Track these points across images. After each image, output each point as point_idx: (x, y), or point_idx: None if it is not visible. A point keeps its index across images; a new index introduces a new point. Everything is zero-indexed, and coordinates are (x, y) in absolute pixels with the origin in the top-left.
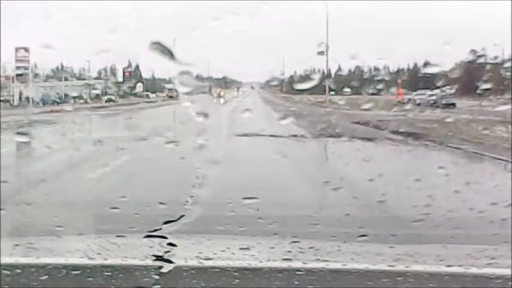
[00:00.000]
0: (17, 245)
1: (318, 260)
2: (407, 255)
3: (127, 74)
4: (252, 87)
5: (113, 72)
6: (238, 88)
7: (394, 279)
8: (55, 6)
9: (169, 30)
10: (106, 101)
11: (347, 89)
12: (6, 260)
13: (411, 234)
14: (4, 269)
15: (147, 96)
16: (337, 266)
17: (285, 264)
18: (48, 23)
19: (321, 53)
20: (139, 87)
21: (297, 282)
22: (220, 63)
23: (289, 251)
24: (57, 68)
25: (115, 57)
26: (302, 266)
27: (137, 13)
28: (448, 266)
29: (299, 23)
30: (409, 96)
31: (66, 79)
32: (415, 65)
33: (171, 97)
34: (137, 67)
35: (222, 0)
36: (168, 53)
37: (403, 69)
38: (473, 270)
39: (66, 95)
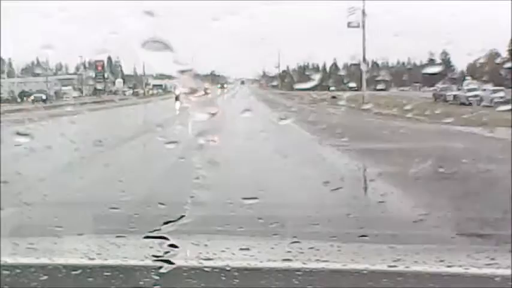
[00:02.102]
0: (17, 245)
1: (318, 260)
2: (408, 256)
3: (99, 68)
4: (243, 83)
5: (92, 67)
6: (222, 84)
7: (395, 280)
8: (53, 6)
9: (167, 29)
10: (33, 102)
11: (352, 84)
12: (6, 260)
13: None
14: (4, 269)
15: (123, 93)
16: (337, 266)
17: (285, 265)
18: (41, 22)
19: (353, 25)
20: (119, 83)
21: (297, 283)
22: (214, 61)
23: (289, 252)
24: (32, 63)
25: (111, 55)
26: (302, 266)
27: (134, 11)
28: (448, 266)
29: (298, 24)
30: (454, 92)
31: (37, 75)
32: (433, 57)
33: (137, 94)
34: (118, 62)
35: (221, 0)
36: (164, 49)
37: (403, 63)
38: (473, 270)
39: (19, 93)
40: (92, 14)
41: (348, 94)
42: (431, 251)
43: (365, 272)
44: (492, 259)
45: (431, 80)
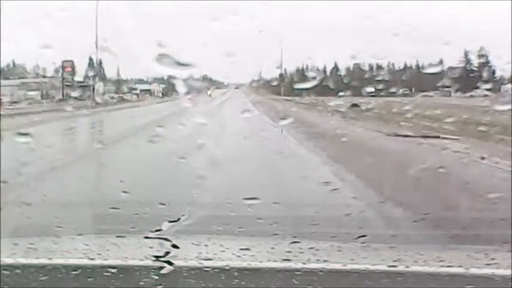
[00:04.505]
0: (17, 245)
1: (318, 260)
2: (407, 256)
3: (67, 69)
4: (237, 87)
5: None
6: (208, 90)
7: (394, 280)
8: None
9: (164, 31)
10: None
11: (370, 89)
12: (6, 260)
13: None
14: (4, 269)
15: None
16: (337, 266)
17: (285, 265)
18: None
19: None
20: (99, 87)
21: (296, 283)
22: (207, 63)
23: (289, 252)
24: (8, 65)
25: (114, 57)
26: (302, 266)
27: (135, 12)
28: (448, 266)
29: (297, 25)
30: None
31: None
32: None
33: (98, 103)
34: (100, 64)
35: (222, 0)
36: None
37: (411, 67)
38: (473, 270)
39: None
40: (85, 14)
41: (374, 102)
42: (431, 251)
43: (365, 272)
44: (492, 259)
45: (464, 84)
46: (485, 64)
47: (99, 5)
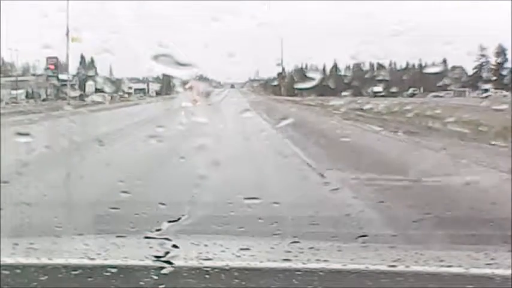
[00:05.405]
0: (17, 245)
1: (318, 260)
2: (407, 256)
3: (51, 66)
4: (232, 86)
5: (64, 67)
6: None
7: (394, 280)
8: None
9: (163, 30)
10: None
11: (377, 89)
12: (6, 260)
13: None
14: (4, 269)
15: (82, 99)
16: (337, 266)
17: (285, 265)
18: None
19: None
20: (90, 86)
21: (296, 283)
22: (203, 63)
23: (289, 252)
24: None
25: (115, 58)
26: (302, 266)
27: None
28: (448, 266)
29: (297, 25)
30: None
31: None
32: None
33: (84, 103)
34: (92, 62)
35: (221, 0)
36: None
37: (413, 67)
38: (473, 270)
39: None
40: (82, 15)
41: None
42: (431, 251)
43: (365, 272)
44: (492, 259)
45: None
46: (503, 62)
47: (99, 5)
